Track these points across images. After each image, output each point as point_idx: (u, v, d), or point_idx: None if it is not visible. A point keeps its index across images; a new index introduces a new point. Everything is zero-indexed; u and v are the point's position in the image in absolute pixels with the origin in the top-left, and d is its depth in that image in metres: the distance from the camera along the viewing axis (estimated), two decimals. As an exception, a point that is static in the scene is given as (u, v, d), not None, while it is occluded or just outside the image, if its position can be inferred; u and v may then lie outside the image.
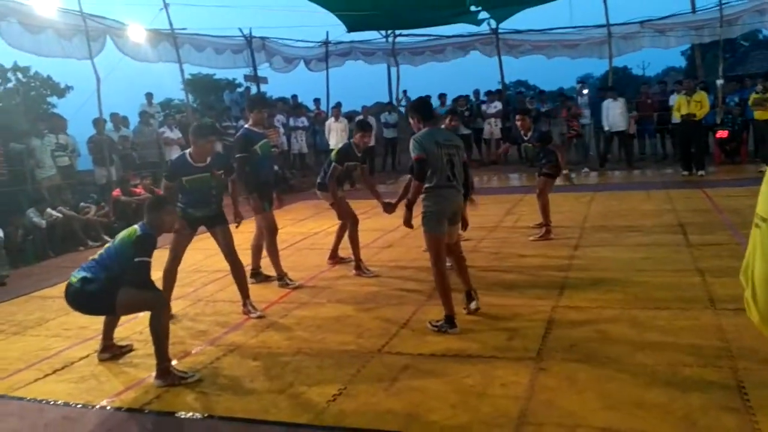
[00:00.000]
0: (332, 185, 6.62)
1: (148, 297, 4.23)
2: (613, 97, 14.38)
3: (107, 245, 4.40)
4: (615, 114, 14.17)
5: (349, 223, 6.77)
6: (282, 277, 6.35)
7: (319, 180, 6.92)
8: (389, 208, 5.94)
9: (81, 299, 4.19)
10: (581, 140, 15.38)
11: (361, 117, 13.11)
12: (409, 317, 5.09)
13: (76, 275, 4.20)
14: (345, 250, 7.02)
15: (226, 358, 4.52)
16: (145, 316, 5.51)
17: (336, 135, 14.65)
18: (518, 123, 7.80)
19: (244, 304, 5.53)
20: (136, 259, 4.11)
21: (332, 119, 15.42)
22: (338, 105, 15.96)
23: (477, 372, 3.93)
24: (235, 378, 4.17)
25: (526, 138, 7.71)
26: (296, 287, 6.24)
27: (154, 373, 4.17)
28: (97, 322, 5.40)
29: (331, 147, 14.29)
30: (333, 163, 6.58)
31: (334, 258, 7.17)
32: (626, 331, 4.44)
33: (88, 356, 4.76)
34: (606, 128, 14.42)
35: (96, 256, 4.27)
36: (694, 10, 15.02)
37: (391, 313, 5.23)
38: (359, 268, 6.65)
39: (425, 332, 4.72)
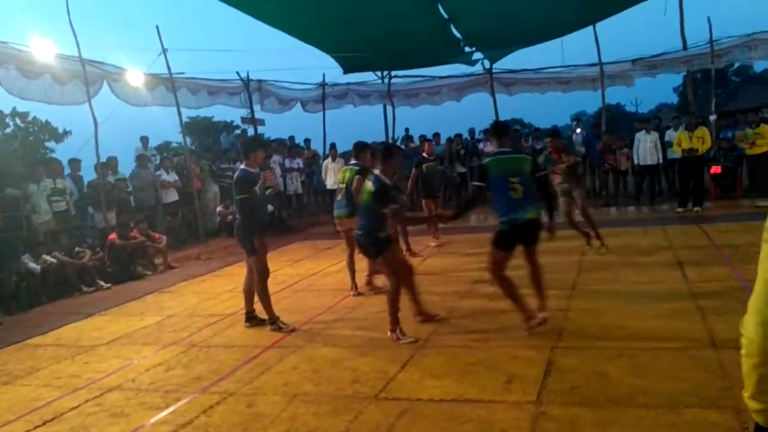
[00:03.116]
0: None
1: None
2: (647, 129, 13.89)
3: None
4: (645, 147, 13.66)
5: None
6: (274, 321, 6.26)
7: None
8: None
9: None
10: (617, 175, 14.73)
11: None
12: (406, 361, 5.00)
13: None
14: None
15: (220, 407, 4.42)
16: (138, 363, 5.48)
17: (333, 175, 14.70)
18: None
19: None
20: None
21: (329, 160, 15.53)
22: (333, 145, 16.09)
23: (476, 417, 3.85)
24: (228, 427, 4.07)
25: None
26: (291, 331, 6.16)
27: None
28: (89, 371, 5.32)
29: (328, 187, 14.85)
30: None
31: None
32: (627, 372, 4.37)
33: (78, 406, 4.64)
34: (635, 162, 13.98)
35: None
36: (685, 47, 15.21)
37: (388, 357, 5.15)
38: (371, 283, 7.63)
39: (423, 377, 4.65)
